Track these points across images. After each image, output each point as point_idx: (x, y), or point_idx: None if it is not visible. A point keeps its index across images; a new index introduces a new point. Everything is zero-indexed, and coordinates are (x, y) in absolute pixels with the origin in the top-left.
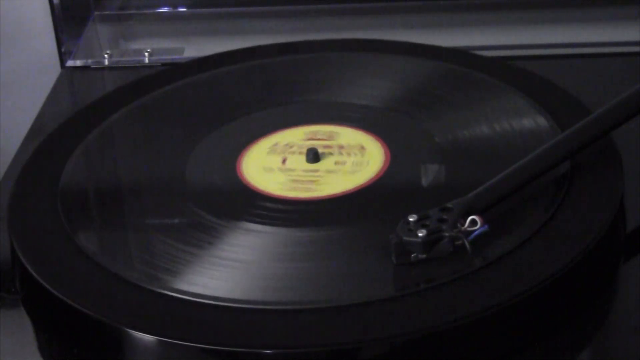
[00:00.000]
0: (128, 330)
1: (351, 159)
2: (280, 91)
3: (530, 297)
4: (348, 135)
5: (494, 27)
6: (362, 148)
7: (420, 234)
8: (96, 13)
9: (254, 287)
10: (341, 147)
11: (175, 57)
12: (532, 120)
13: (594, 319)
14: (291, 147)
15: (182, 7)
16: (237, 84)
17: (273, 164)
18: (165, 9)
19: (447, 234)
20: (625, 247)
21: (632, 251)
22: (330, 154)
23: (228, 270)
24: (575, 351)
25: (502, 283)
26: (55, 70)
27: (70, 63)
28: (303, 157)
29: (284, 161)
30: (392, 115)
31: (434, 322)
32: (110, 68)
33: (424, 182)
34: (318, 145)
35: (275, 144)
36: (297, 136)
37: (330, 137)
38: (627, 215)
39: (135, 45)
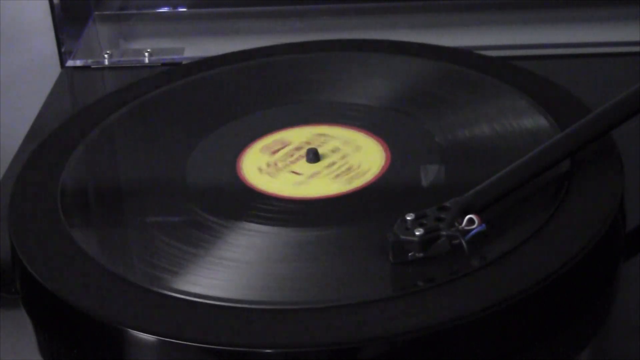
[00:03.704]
0: (128, 330)
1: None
2: (280, 91)
3: (530, 297)
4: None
5: (494, 27)
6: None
7: (417, 233)
8: (96, 13)
9: (254, 287)
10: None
11: (175, 57)
12: (532, 120)
13: (594, 319)
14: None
15: (182, 7)
16: (237, 84)
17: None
18: (165, 9)
19: (444, 233)
20: (625, 247)
21: (632, 251)
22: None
23: (228, 270)
24: (575, 351)
25: (501, 283)
26: (55, 70)
27: (70, 63)
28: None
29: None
30: (392, 115)
31: (434, 322)
32: (110, 68)
33: (424, 182)
34: (318, 145)
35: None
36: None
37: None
38: (627, 215)
39: (135, 45)
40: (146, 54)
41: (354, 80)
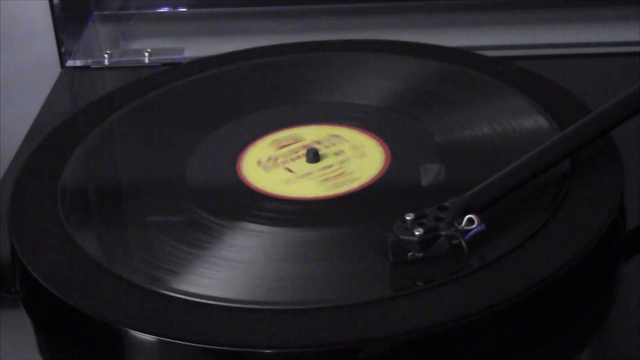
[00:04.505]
0: (128, 330)
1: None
2: (281, 91)
3: (530, 297)
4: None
5: (494, 27)
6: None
7: (417, 233)
8: (96, 13)
9: (254, 287)
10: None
11: (175, 57)
12: (532, 120)
13: (594, 319)
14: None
15: (182, 7)
16: (237, 84)
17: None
18: (165, 9)
19: (443, 233)
20: (625, 247)
21: (632, 251)
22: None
23: (228, 270)
24: (575, 351)
25: (501, 283)
26: (55, 70)
27: (70, 63)
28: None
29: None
30: (392, 115)
31: (434, 322)
32: (110, 68)
33: (424, 182)
34: (318, 145)
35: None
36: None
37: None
38: (627, 215)
39: (135, 45)
40: (146, 54)
41: (354, 80)
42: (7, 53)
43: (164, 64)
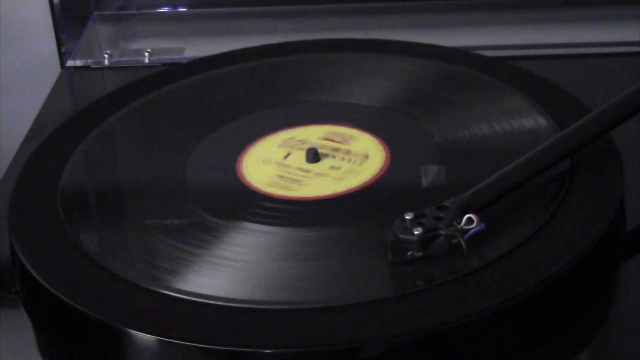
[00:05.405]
0: (128, 330)
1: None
2: (280, 91)
3: (530, 297)
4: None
5: (494, 27)
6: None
7: (416, 232)
8: (96, 13)
9: (254, 287)
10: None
11: (175, 57)
12: (532, 120)
13: (594, 319)
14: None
15: (182, 7)
16: (237, 84)
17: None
18: (165, 9)
19: (443, 232)
20: (625, 247)
21: (632, 251)
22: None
23: (228, 270)
24: (575, 351)
25: (501, 283)
26: (55, 70)
27: (70, 63)
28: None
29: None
30: (392, 115)
31: (434, 322)
32: (110, 68)
33: (424, 182)
34: (318, 145)
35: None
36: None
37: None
38: (627, 215)
39: (135, 45)
40: (146, 54)
41: (354, 80)
42: (7, 53)
43: (164, 64)
